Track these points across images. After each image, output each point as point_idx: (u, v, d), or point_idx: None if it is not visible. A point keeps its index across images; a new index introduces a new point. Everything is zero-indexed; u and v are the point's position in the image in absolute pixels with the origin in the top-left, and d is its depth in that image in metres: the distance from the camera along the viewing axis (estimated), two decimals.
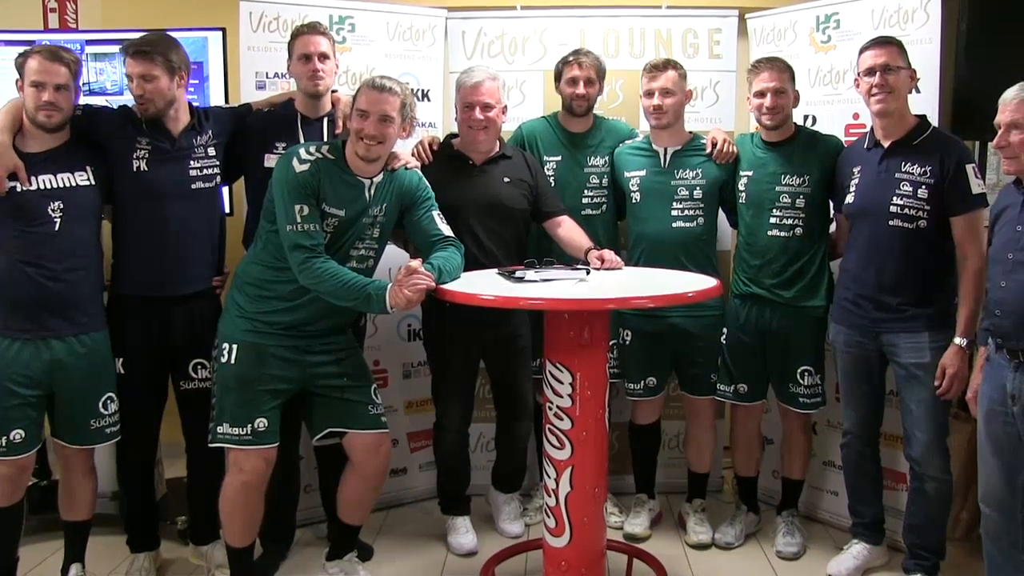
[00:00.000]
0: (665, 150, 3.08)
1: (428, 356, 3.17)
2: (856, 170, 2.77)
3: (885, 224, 2.66)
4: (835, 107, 3.26)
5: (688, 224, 3.05)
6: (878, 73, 2.64)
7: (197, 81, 3.25)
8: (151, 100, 2.60)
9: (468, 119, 2.92)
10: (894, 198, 2.64)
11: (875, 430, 2.89)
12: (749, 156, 3.03)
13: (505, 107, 3.02)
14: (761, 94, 2.90)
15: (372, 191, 2.58)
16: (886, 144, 2.70)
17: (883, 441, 2.94)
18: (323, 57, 2.83)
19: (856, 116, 3.17)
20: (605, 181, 3.22)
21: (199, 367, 2.77)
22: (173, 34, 2.75)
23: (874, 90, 2.66)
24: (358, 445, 2.64)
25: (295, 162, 2.48)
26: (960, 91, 3.20)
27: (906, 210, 2.63)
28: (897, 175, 2.65)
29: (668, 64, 3.03)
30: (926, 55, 2.96)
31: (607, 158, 3.21)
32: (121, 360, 2.68)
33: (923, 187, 2.61)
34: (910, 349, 2.67)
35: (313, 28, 2.88)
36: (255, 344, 2.52)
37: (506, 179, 2.98)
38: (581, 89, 3.11)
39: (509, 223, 2.99)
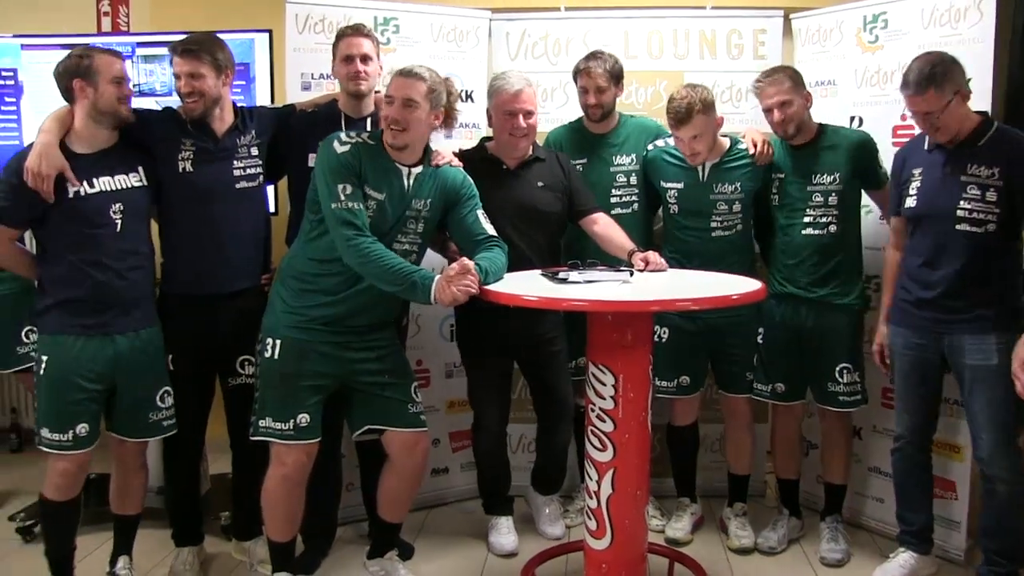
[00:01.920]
0: (704, 164, 3.05)
1: (462, 358, 3.18)
2: (917, 172, 2.69)
3: (951, 228, 2.58)
4: (882, 108, 3.19)
5: (727, 233, 3.04)
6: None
7: (244, 82, 3.30)
8: (199, 98, 2.63)
9: (511, 127, 2.91)
10: (961, 202, 2.56)
11: (929, 436, 2.81)
12: (781, 158, 3.02)
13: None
14: (769, 110, 2.91)
15: (411, 179, 2.58)
16: (949, 145, 2.61)
17: (934, 448, 2.86)
18: (365, 59, 2.85)
19: (904, 117, 3.06)
20: (634, 179, 3.19)
21: (246, 363, 2.79)
22: (220, 35, 2.78)
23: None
24: (396, 443, 2.65)
25: (336, 144, 2.50)
26: (1014, 90, 3.12)
27: (975, 214, 2.55)
28: (963, 178, 2.57)
29: (690, 111, 2.84)
30: (978, 55, 2.89)
31: (634, 156, 3.19)
32: (170, 357, 2.72)
33: (991, 190, 2.53)
34: (976, 351, 2.59)
35: (357, 30, 2.90)
36: (297, 339, 2.53)
37: (540, 183, 2.97)
38: (592, 99, 3.10)
39: (543, 227, 2.98)
